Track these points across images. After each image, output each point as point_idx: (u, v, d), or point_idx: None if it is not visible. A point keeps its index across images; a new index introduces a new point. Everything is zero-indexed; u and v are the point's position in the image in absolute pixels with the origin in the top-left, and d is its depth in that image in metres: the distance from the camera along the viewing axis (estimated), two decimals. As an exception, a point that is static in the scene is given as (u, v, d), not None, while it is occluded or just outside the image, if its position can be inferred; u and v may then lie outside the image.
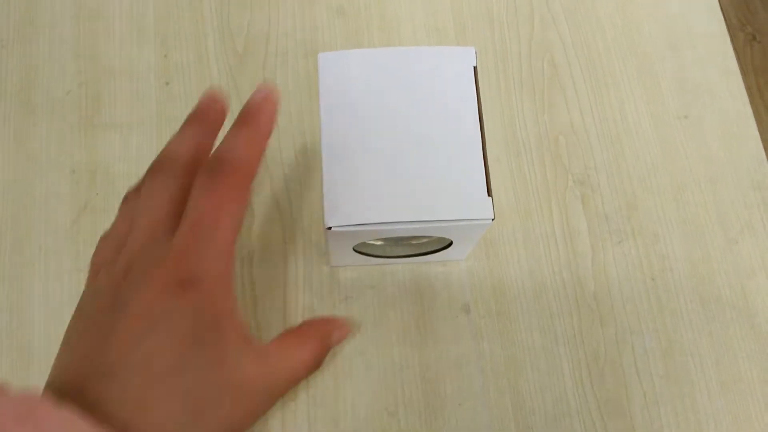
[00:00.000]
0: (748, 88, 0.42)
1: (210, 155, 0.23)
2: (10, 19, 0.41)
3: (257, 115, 0.23)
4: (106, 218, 0.37)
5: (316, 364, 0.25)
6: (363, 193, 0.27)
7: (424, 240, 0.34)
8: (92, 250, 0.25)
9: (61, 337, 0.22)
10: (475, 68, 0.29)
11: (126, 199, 0.25)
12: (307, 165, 0.39)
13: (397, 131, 0.28)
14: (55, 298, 0.35)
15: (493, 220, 0.27)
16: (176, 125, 0.39)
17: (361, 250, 0.33)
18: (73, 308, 0.23)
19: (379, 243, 0.33)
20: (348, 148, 0.28)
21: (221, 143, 0.23)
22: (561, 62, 0.41)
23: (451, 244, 0.33)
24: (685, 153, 0.40)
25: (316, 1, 0.42)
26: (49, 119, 0.39)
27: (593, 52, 0.42)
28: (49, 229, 0.37)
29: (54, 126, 0.39)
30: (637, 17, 0.43)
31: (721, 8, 0.43)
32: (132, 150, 0.39)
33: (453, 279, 0.37)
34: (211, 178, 0.21)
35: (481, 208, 0.27)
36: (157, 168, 0.23)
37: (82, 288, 0.23)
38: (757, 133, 0.41)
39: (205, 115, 0.25)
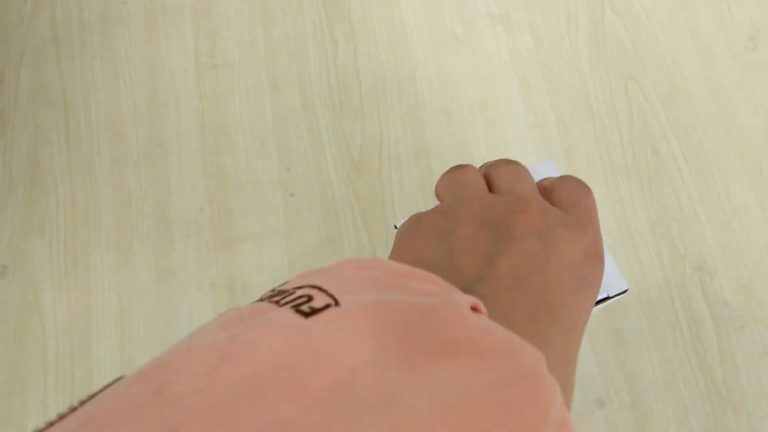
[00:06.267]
0: None
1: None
2: (139, 139, 0.44)
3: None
4: (248, 330, 0.39)
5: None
6: None
7: None
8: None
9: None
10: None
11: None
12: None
13: None
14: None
15: (627, 290, 0.27)
16: (305, 234, 0.41)
17: None
18: None
19: None
20: None
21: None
22: (663, 151, 0.43)
23: None
24: (796, 233, 0.41)
25: (421, 106, 0.45)
26: (186, 237, 0.41)
27: (693, 138, 0.43)
28: (195, 344, 0.39)
29: (191, 243, 0.41)
30: (730, 102, 0.44)
31: (812, 86, 0.44)
32: (265, 261, 0.41)
33: (584, 373, 0.38)
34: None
35: (613, 283, 0.27)
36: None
37: None
38: None
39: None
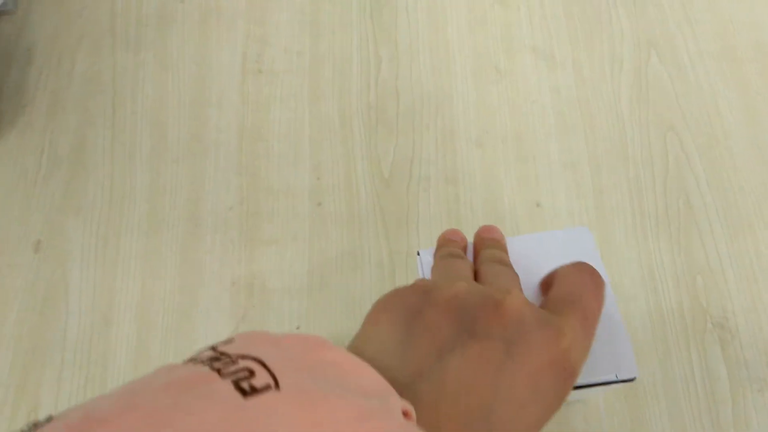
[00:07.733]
0: None
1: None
2: (180, 134, 0.46)
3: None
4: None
5: None
6: None
7: None
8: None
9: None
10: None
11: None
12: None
13: None
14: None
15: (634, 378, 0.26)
16: (327, 244, 0.42)
17: None
18: None
19: None
20: None
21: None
22: (696, 203, 0.43)
23: None
24: (825, 302, 0.40)
25: (455, 132, 0.45)
26: (213, 233, 0.43)
27: (729, 194, 0.43)
28: (210, 338, 0.40)
29: (217, 239, 0.42)
30: (771, 160, 0.44)
31: None
32: (286, 266, 0.42)
33: (591, 416, 0.37)
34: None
35: (625, 366, 0.26)
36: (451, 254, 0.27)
37: None
38: None
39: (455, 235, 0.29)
